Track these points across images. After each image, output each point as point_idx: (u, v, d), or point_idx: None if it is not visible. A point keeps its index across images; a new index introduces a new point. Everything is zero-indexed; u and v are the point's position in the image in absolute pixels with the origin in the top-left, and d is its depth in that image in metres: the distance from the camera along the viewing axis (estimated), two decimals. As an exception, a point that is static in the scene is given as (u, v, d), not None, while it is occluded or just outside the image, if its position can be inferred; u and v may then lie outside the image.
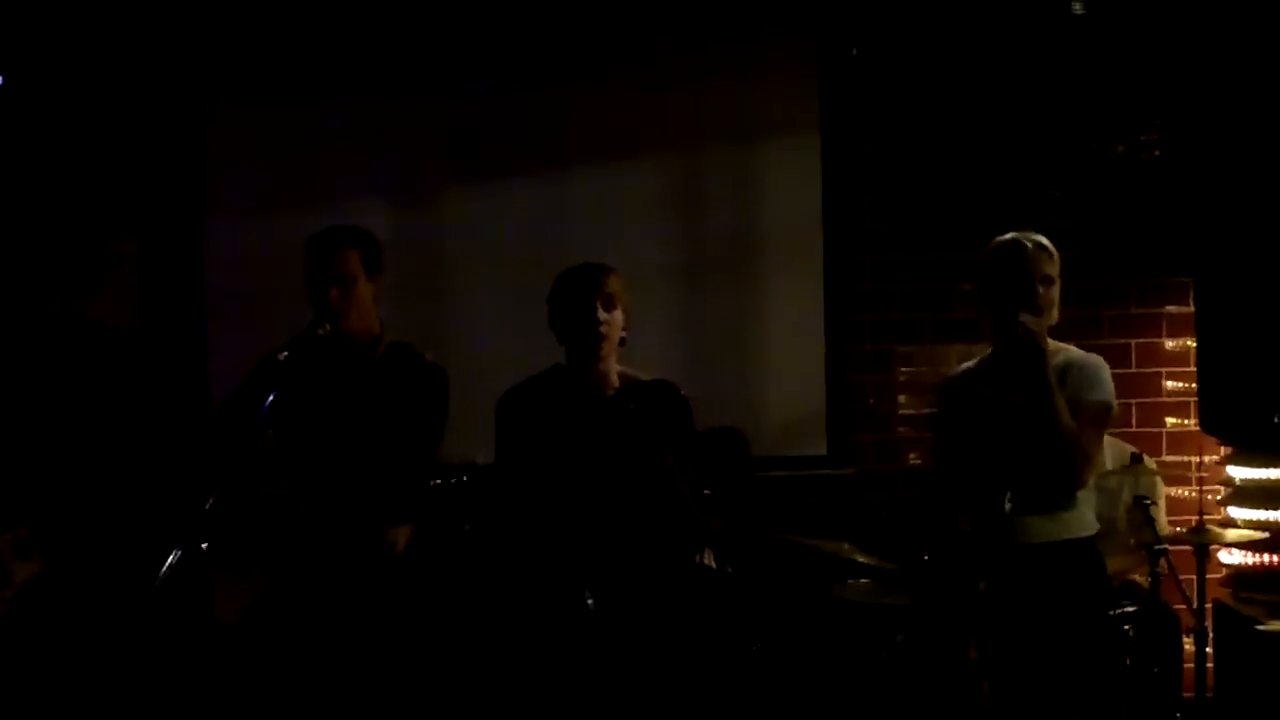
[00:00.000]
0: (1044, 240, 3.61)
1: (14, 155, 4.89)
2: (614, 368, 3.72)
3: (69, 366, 3.88)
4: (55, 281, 3.95)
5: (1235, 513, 4.87)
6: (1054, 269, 3.58)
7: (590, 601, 3.46)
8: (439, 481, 3.44)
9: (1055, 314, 3.60)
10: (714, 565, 3.69)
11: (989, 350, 3.71)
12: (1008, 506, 3.49)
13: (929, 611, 4.15)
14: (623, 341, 3.72)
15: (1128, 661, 4.18)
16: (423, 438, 3.74)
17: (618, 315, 3.67)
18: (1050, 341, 3.57)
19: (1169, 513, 4.86)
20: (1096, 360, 3.61)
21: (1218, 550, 4.85)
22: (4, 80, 4.87)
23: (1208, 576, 4.46)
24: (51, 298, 3.89)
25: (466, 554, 3.95)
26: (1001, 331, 3.57)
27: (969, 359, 3.83)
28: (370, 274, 3.79)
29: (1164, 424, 5.25)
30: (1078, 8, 5.07)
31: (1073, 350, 3.64)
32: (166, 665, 3.81)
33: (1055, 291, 3.58)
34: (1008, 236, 3.64)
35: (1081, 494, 3.57)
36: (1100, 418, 3.56)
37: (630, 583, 3.54)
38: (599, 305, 3.64)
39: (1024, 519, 3.52)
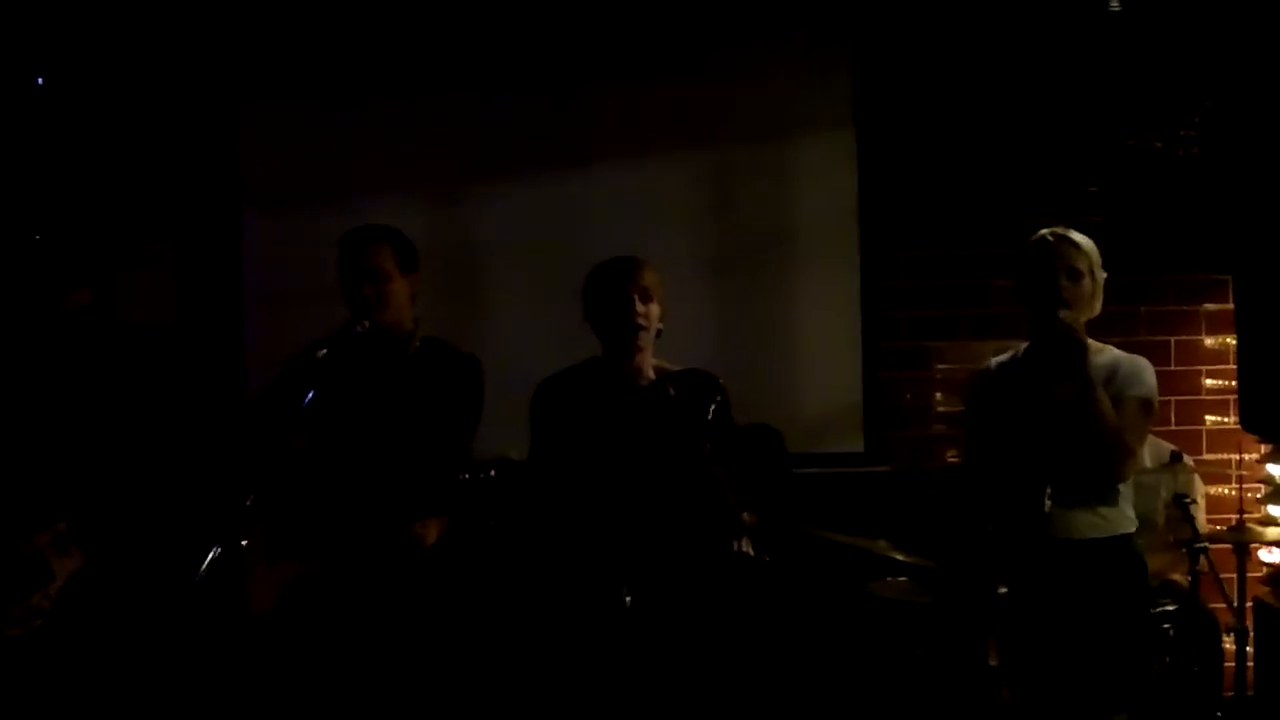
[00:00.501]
0: (1072, 234, 3.59)
1: (52, 156, 4.93)
2: (650, 360, 3.72)
3: (107, 363, 3.89)
4: (92, 280, 3.97)
5: (1276, 511, 4.84)
6: (1084, 262, 3.55)
7: (628, 599, 3.45)
8: (467, 476, 3.43)
9: (1097, 307, 3.58)
10: (751, 553, 3.67)
11: (1022, 345, 3.70)
12: (1048, 505, 3.47)
13: (951, 612, 4.14)
14: (659, 334, 3.73)
15: (1167, 660, 4.16)
16: (458, 429, 3.74)
17: (654, 308, 3.67)
18: (1092, 341, 3.55)
19: (1209, 511, 4.81)
20: (1141, 360, 3.60)
21: (1258, 549, 4.83)
22: (42, 82, 4.90)
23: (1248, 575, 4.46)
24: (89, 296, 3.91)
25: (494, 548, 3.95)
26: (1037, 326, 3.56)
27: (1001, 354, 3.80)
28: (405, 271, 3.80)
29: (1203, 422, 5.22)
30: (1114, 3, 5.03)
31: (1117, 351, 3.62)
32: (203, 659, 3.83)
33: (1087, 285, 3.55)
34: (1039, 232, 3.63)
35: (1123, 489, 3.55)
36: (1144, 412, 3.54)
37: (667, 574, 3.54)
38: (636, 298, 3.64)
39: (1064, 514, 3.50)
